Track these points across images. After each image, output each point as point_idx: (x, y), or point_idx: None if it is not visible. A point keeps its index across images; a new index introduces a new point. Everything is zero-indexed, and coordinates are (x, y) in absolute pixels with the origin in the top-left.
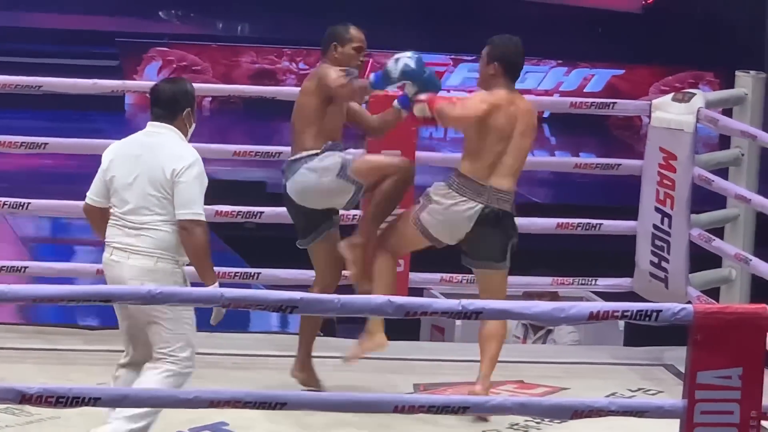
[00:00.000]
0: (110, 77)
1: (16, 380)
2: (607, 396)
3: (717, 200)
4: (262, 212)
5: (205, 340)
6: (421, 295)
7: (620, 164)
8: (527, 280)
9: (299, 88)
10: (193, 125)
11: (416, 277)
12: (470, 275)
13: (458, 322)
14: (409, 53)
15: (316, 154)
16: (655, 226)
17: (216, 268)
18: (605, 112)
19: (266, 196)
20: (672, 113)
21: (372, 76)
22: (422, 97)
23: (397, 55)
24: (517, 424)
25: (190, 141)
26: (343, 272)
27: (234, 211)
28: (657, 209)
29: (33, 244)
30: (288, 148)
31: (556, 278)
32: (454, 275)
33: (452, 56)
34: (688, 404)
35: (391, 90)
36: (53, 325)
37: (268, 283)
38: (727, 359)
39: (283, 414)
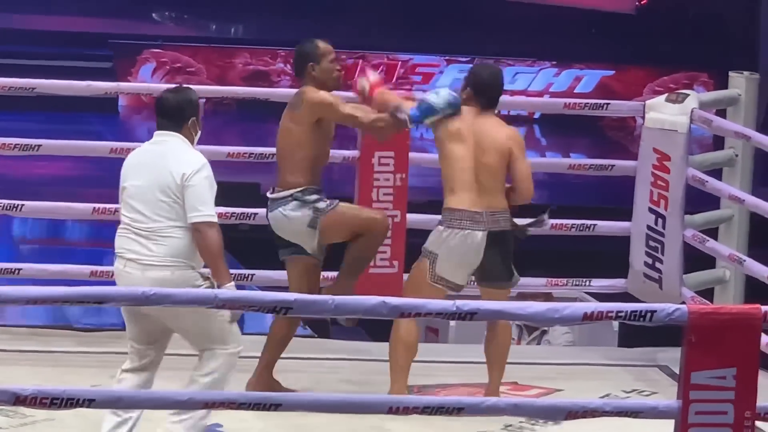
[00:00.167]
0: (103, 79)
1: (10, 382)
2: (602, 397)
3: (711, 201)
4: (255, 214)
5: None
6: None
7: (614, 165)
8: (521, 281)
9: (291, 89)
10: (199, 133)
11: None
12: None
13: (452, 323)
14: (446, 88)
15: (294, 197)
16: (649, 227)
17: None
18: (599, 113)
19: (260, 198)
20: (666, 114)
21: (412, 110)
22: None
23: (436, 89)
24: (511, 426)
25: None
26: None
27: (228, 213)
28: (651, 210)
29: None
30: None
31: (550, 279)
32: None
33: (446, 57)
34: (683, 405)
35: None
36: (47, 326)
37: (263, 284)
38: (721, 360)
39: (278, 415)
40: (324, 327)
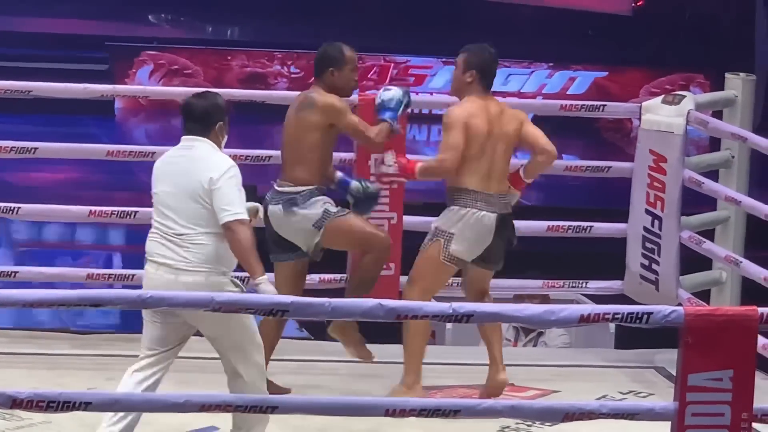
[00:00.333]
0: (100, 81)
1: (7, 385)
2: (598, 399)
3: (707, 202)
4: None
5: (195, 344)
6: None
7: (610, 167)
8: (518, 282)
9: (288, 92)
10: (226, 137)
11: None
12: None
13: (449, 326)
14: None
15: (303, 194)
16: (645, 229)
17: None
18: (595, 115)
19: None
20: (662, 115)
21: (387, 114)
22: (392, 163)
23: (386, 88)
24: (508, 427)
25: None
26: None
27: None
28: (647, 211)
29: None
30: (277, 152)
31: (546, 281)
32: None
33: (443, 59)
34: (679, 406)
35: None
36: (43, 329)
37: None
38: (718, 361)
39: (274, 418)
40: (321, 329)
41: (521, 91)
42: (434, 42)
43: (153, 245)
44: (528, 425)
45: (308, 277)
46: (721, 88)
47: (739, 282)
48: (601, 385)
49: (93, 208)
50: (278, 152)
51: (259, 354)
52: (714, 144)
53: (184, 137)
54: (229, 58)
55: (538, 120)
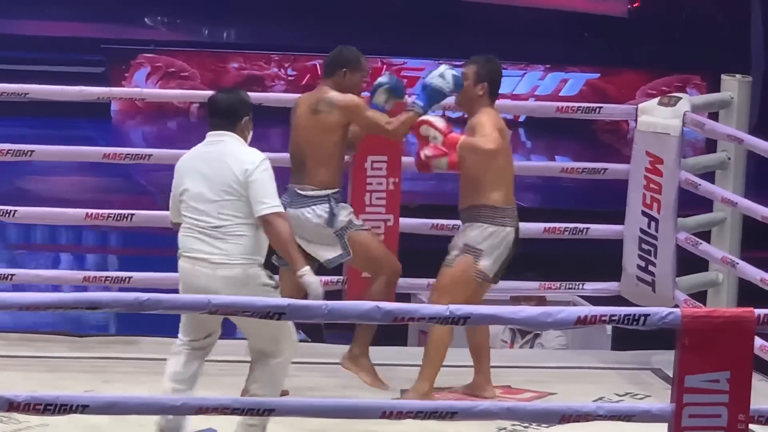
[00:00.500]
0: (95, 84)
1: (4, 388)
2: (595, 400)
3: (704, 204)
4: None
5: None
6: (409, 301)
7: (606, 168)
8: (514, 284)
9: (285, 94)
10: (251, 132)
11: (403, 283)
12: None
13: None
14: (444, 67)
15: (328, 198)
16: (641, 230)
17: None
18: (591, 117)
19: None
20: (658, 117)
21: (414, 99)
22: (439, 131)
23: (438, 71)
24: (504, 429)
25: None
26: None
27: None
28: (644, 213)
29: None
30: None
31: (543, 283)
32: None
33: (441, 61)
34: (676, 408)
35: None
36: (40, 332)
37: None
38: (714, 363)
39: (271, 420)
40: (318, 331)
41: (514, 92)
42: (430, 44)
43: (188, 240)
44: (525, 427)
45: None
46: (717, 89)
47: (736, 283)
48: (597, 387)
49: (89, 210)
50: (273, 155)
51: (284, 351)
52: (710, 145)
53: (210, 133)
54: (226, 60)
55: (533, 121)
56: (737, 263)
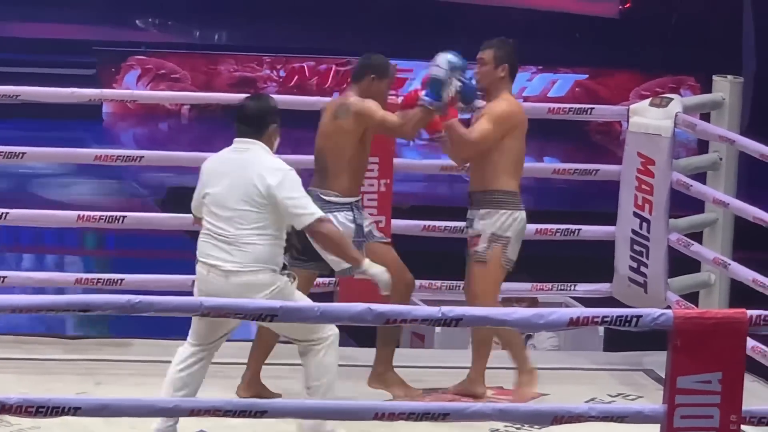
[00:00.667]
0: (87, 86)
1: None
2: (587, 401)
3: (695, 205)
4: None
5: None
6: None
7: (598, 169)
8: (507, 286)
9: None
10: (278, 139)
11: None
12: (450, 281)
13: (438, 329)
14: (442, 54)
15: (351, 206)
16: (633, 231)
17: (194, 277)
18: (582, 118)
19: None
20: (650, 118)
21: (423, 95)
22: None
23: (434, 61)
24: (497, 430)
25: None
26: None
27: None
28: (635, 214)
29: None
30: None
31: (535, 284)
32: (434, 282)
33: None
34: (668, 409)
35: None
36: (32, 334)
37: None
38: (706, 364)
39: (264, 422)
40: None
41: None
42: (420, 45)
43: (204, 246)
44: (517, 428)
45: None
46: (711, 90)
47: (728, 284)
48: (590, 388)
49: (81, 213)
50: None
51: (322, 336)
52: (702, 146)
53: (237, 139)
54: (218, 62)
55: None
56: (729, 264)
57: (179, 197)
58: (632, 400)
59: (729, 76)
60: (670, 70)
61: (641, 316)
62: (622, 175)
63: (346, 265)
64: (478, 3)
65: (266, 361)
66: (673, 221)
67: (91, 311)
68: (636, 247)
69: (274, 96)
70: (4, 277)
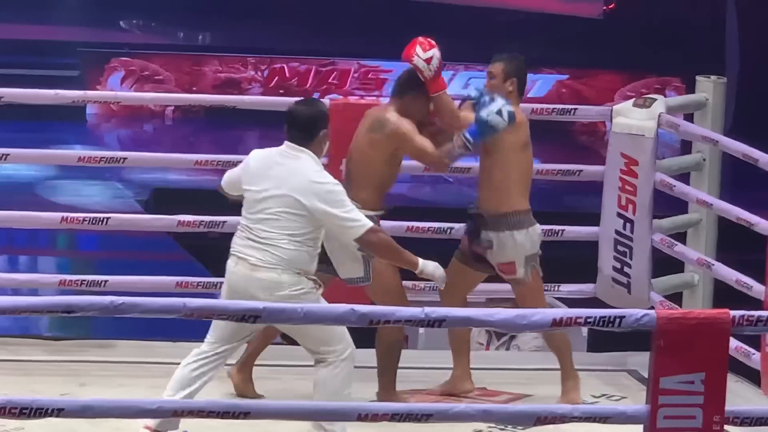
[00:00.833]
0: (70, 87)
1: None
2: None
3: (679, 205)
4: (225, 222)
5: (169, 350)
6: None
7: (582, 170)
8: (490, 286)
9: (264, 98)
10: (327, 143)
11: None
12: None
13: (421, 330)
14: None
15: (370, 219)
16: (617, 232)
17: (179, 278)
18: (566, 118)
19: (229, 206)
20: (633, 119)
21: (469, 133)
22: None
23: (494, 105)
24: (480, 431)
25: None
26: None
27: (197, 221)
28: (619, 215)
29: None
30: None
31: None
32: (417, 282)
33: None
34: (651, 409)
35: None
36: (15, 336)
37: None
38: (690, 364)
39: (247, 423)
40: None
41: None
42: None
43: (238, 240)
44: (501, 429)
45: None
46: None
47: (711, 285)
48: None
49: (65, 214)
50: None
51: (337, 349)
52: (685, 147)
53: (288, 144)
54: (202, 63)
55: None
56: (713, 264)
57: (163, 198)
58: (616, 400)
59: (712, 77)
60: (654, 71)
61: (624, 316)
62: (605, 176)
63: (354, 275)
64: (461, 3)
65: (256, 363)
66: (656, 222)
67: (74, 312)
68: (619, 248)
69: (254, 97)
70: None
